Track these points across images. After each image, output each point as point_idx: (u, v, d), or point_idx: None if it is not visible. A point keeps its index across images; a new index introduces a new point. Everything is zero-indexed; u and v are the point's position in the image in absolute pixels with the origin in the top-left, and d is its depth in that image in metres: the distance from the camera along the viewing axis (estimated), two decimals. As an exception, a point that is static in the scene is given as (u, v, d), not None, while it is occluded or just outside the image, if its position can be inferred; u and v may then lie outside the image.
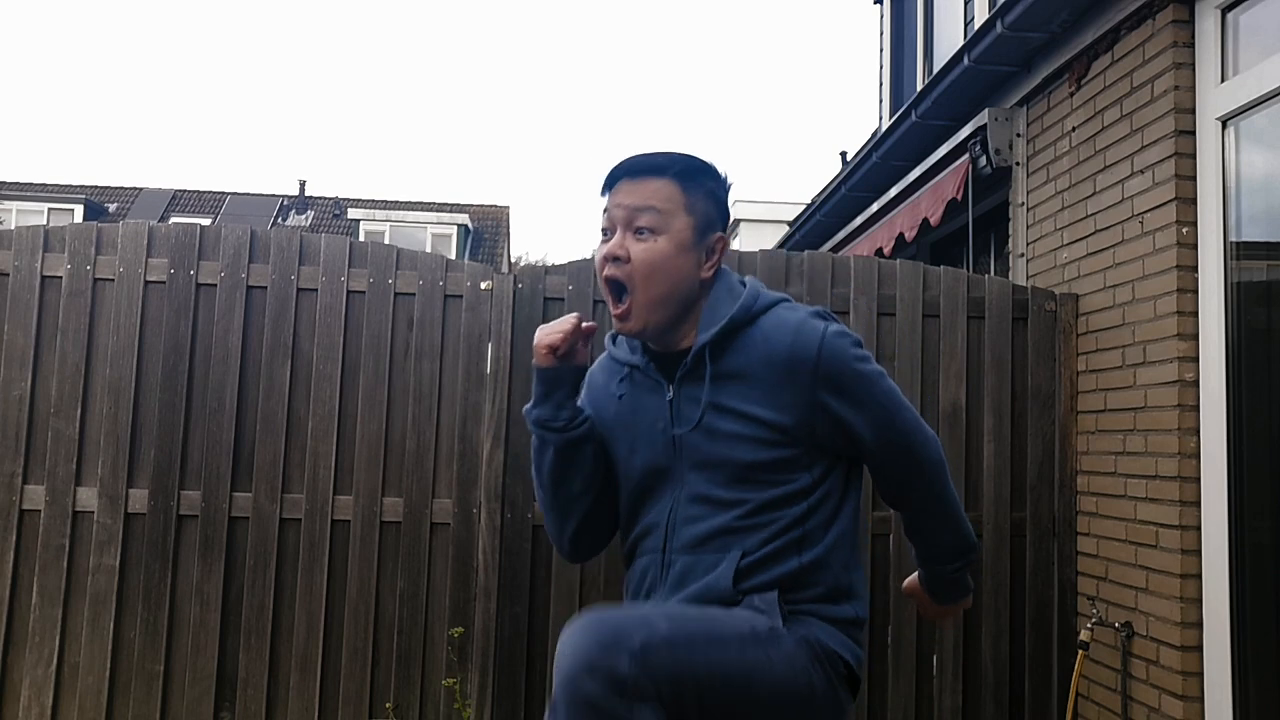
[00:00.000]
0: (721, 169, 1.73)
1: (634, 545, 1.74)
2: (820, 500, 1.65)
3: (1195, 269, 3.18)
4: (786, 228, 10.28)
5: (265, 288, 3.61)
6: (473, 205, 30.89)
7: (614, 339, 1.80)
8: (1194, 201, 3.20)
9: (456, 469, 3.59)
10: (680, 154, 1.67)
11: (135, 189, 29.57)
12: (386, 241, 22.58)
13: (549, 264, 4.09)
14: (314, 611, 3.50)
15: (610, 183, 1.68)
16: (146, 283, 3.57)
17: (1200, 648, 3.09)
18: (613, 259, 1.63)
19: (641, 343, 1.73)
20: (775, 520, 1.61)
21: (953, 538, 1.84)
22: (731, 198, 1.77)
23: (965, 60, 4.46)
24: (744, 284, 1.72)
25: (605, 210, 1.67)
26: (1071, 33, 3.92)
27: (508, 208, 31.40)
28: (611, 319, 1.68)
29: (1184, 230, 3.19)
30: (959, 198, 4.81)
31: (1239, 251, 3.09)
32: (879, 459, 1.72)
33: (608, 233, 1.66)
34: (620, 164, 1.67)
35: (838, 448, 1.67)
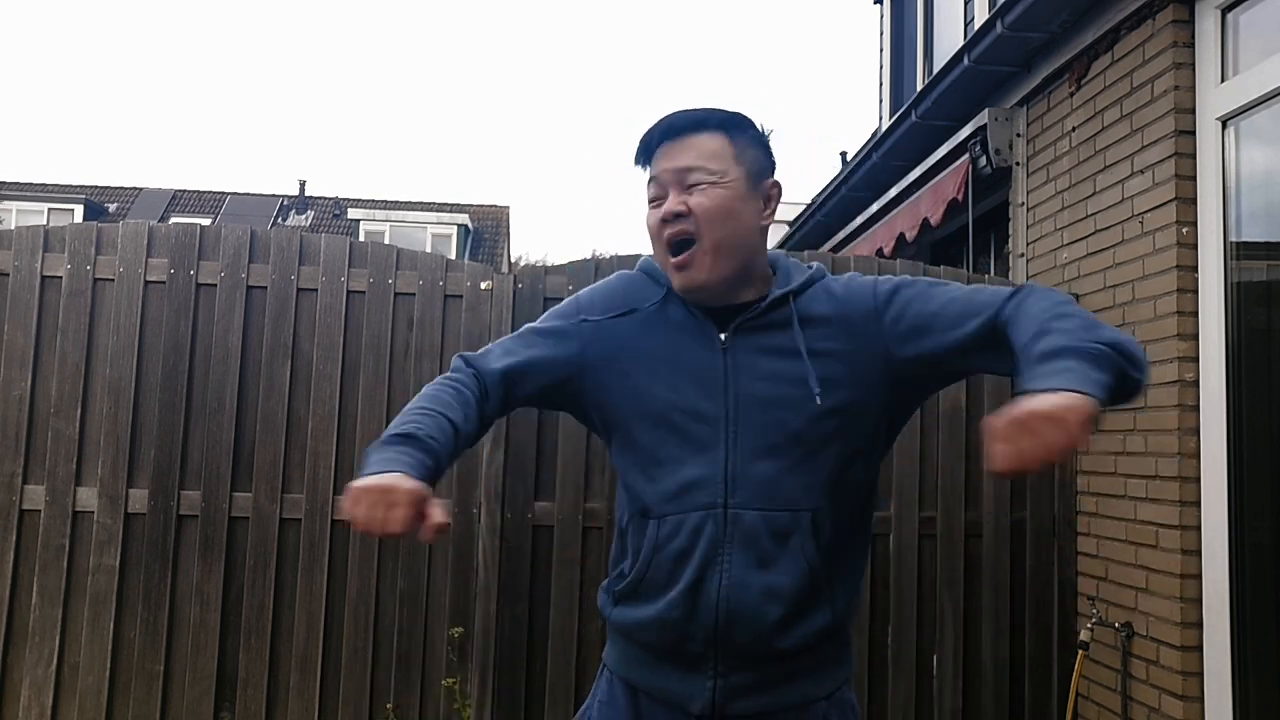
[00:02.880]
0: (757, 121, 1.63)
1: (668, 500, 1.51)
2: (877, 467, 1.60)
3: (1195, 269, 3.18)
4: (786, 228, 10.28)
5: (265, 288, 3.61)
6: (473, 205, 30.89)
7: (648, 270, 1.65)
8: (1194, 201, 3.20)
9: (456, 469, 3.59)
10: (713, 109, 1.58)
11: (135, 189, 29.57)
12: (386, 241, 22.57)
13: (549, 264, 4.09)
14: (314, 611, 3.50)
15: (649, 149, 1.56)
16: (146, 283, 3.57)
17: (1200, 648, 3.09)
18: (675, 216, 1.51)
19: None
20: (845, 490, 1.52)
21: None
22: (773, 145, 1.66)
23: (965, 60, 4.46)
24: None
25: (651, 179, 1.56)
26: (1071, 33, 3.92)
27: (508, 208, 31.41)
28: (674, 279, 1.54)
29: (1184, 230, 3.19)
30: (959, 198, 4.81)
31: (1239, 251, 3.09)
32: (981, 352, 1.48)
33: (658, 201, 1.54)
34: (656, 127, 1.56)
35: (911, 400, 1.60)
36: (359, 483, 1.34)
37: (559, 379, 1.59)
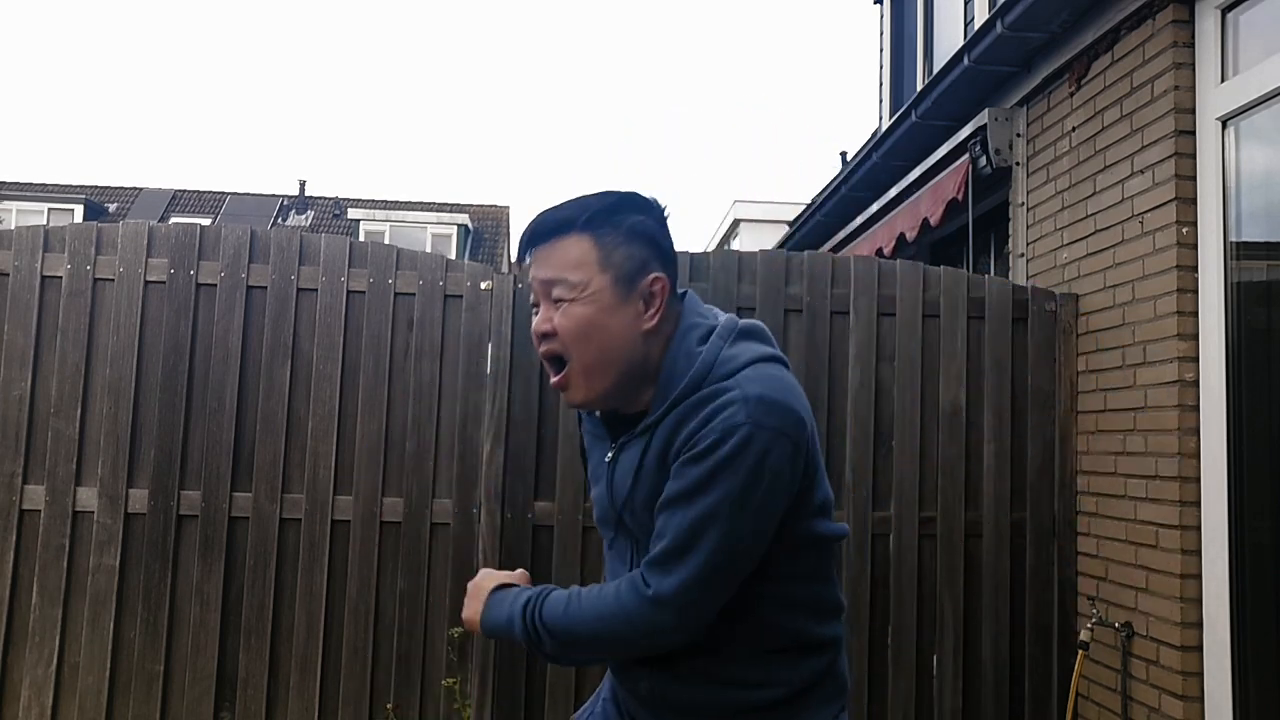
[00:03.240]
0: (647, 195, 1.51)
1: None
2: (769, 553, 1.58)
3: (1195, 269, 3.18)
4: (786, 228, 10.27)
5: (265, 288, 3.61)
6: (473, 205, 30.89)
7: None
8: (1194, 201, 3.20)
9: (456, 469, 3.59)
10: (591, 197, 1.48)
11: (135, 189, 29.57)
12: (386, 241, 22.59)
13: (549, 264, 4.09)
14: (314, 611, 3.50)
15: (524, 253, 1.51)
16: (146, 283, 3.57)
17: (1200, 648, 3.09)
18: (541, 335, 1.48)
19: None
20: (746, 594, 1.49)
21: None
22: (670, 225, 1.54)
23: (965, 60, 4.46)
24: (705, 340, 1.46)
25: (529, 283, 1.54)
26: (1071, 33, 3.92)
27: (508, 208, 31.40)
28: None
29: (1184, 230, 3.19)
30: (959, 198, 4.81)
31: (1239, 251, 3.09)
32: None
33: (535, 307, 1.50)
34: (527, 229, 1.50)
35: None
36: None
37: None
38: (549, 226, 1.47)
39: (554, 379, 1.49)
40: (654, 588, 1.38)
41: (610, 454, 1.53)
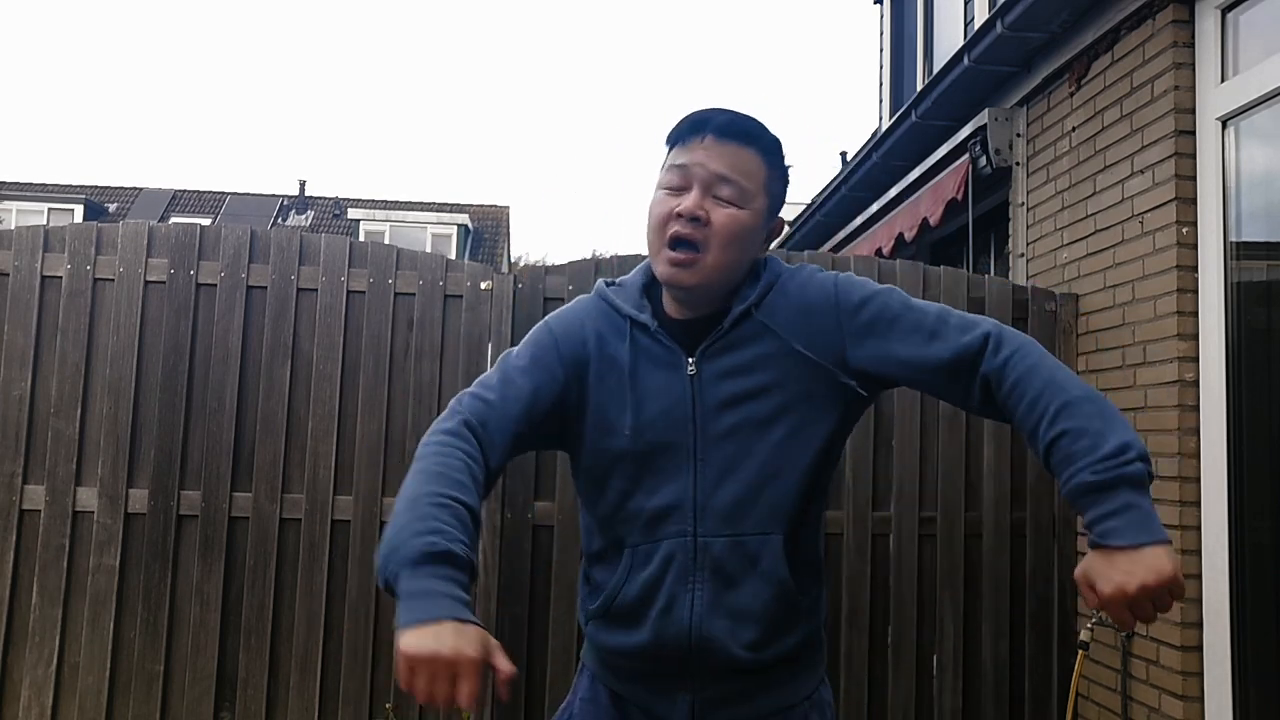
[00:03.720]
0: None
1: (637, 529, 1.51)
2: (833, 470, 1.58)
3: (1195, 269, 3.18)
4: (786, 228, 10.28)
5: (265, 288, 3.61)
6: (473, 205, 30.89)
7: (609, 283, 1.60)
8: (1194, 201, 3.20)
9: (456, 469, 3.58)
10: (762, 124, 1.51)
11: (135, 189, 29.58)
12: (386, 241, 22.57)
13: (549, 264, 4.10)
14: (314, 611, 3.50)
15: (690, 134, 1.48)
16: (146, 283, 3.57)
17: (1200, 648, 3.09)
18: (691, 218, 1.44)
19: (651, 301, 1.54)
20: (810, 503, 1.51)
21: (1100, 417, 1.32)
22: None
23: (965, 60, 4.46)
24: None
25: (679, 165, 1.47)
26: (1071, 33, 3.92)
27: (508, 208, 31.41)
28: (660, 265, 1.48)
29: (1184, 230, 3.19)
30: (959, 198, 4.81)
31: (1239, 251, 3.09)
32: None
33: (680, 190, 1.46)
34: (707, 115, 1.48)
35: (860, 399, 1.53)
36: (410, 647, 1.20)
37: (558, 405, 1.51)
38: (737, 129, 1.48)
39: (678, 255, 1.45)
40: (992, 335, 1.43)
41: (691, 368, 1.48)
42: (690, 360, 1.49)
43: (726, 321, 1.49)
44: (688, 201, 1.44)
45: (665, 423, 1.48)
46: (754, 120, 1.50)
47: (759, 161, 1.48)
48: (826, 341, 1.48)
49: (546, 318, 1.61)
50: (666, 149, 1.52)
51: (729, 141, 1.47)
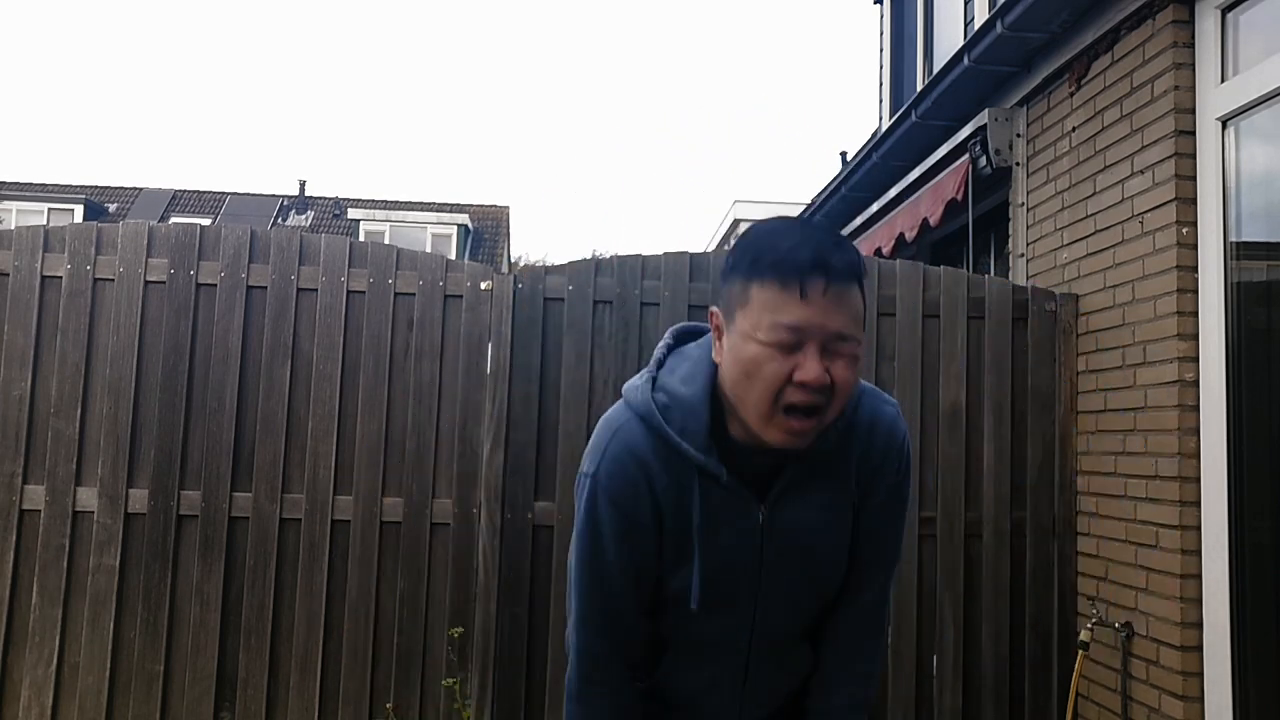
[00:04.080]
0: None
1: (684, 644, 1.54)
2: None
3: (1195, 269, 3.18)
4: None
5: (265, 288, 3.61)
6: (473, 205, 30.89)
7: (665, 410, 1.41)
8: (1194, 201, 3.20)
9: (456, 469, 3.59)
10: (843, 239, 1.36)
11: (135, 189, 29.57)
12: (386, 241, 22.59)
13: (549, 264, 4.10)
14: (314, 611, 3.50)
15: (802, 283, 1.27)
16: (146, 283, 3.57)
17: (1200, 648, 3.09)
18: (819, 389, 1.29)
19: (715, 439, 1.40)
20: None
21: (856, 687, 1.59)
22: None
23: (965, 60, 4.46)
24: None
25: (791, 326, 1.28)
26: (1071, 33, 3.92)
27: (508, 208, 31.41)
28: (773, 432, 1.33)
29: (1184, 230, 3.19)
30: (959, 198, 4.81)
31: (1239, 251, 3.09)
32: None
33: (787, 349, 1.29)
34: (822, 262, 1.28)
35: None
36: None
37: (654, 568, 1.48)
38: (848, 271, 1.31)
39: (800, 425, 1.32)
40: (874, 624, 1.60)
41: (764, 512, 1.43)
42: (762, 507, 1.43)
43: (803, 467, 1.43)
44: (812, 368, 1.28)
45: (732, 575, 1.46)
46: (846, 248, 1.33)
47: (859, 295, 1.34)
48: (861, 480, 1.51)
49: (601, 492, 1.43)
50: (747, 281, 1.31)
51: (844, 286, 1.30)
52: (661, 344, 1.53)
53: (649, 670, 1.55)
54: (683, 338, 1.54)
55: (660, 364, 1.49)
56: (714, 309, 1.40)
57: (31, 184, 28.41)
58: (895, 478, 1.51)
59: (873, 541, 1.53)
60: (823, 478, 1.45)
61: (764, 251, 1.30)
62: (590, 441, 1.49)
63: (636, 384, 1.47)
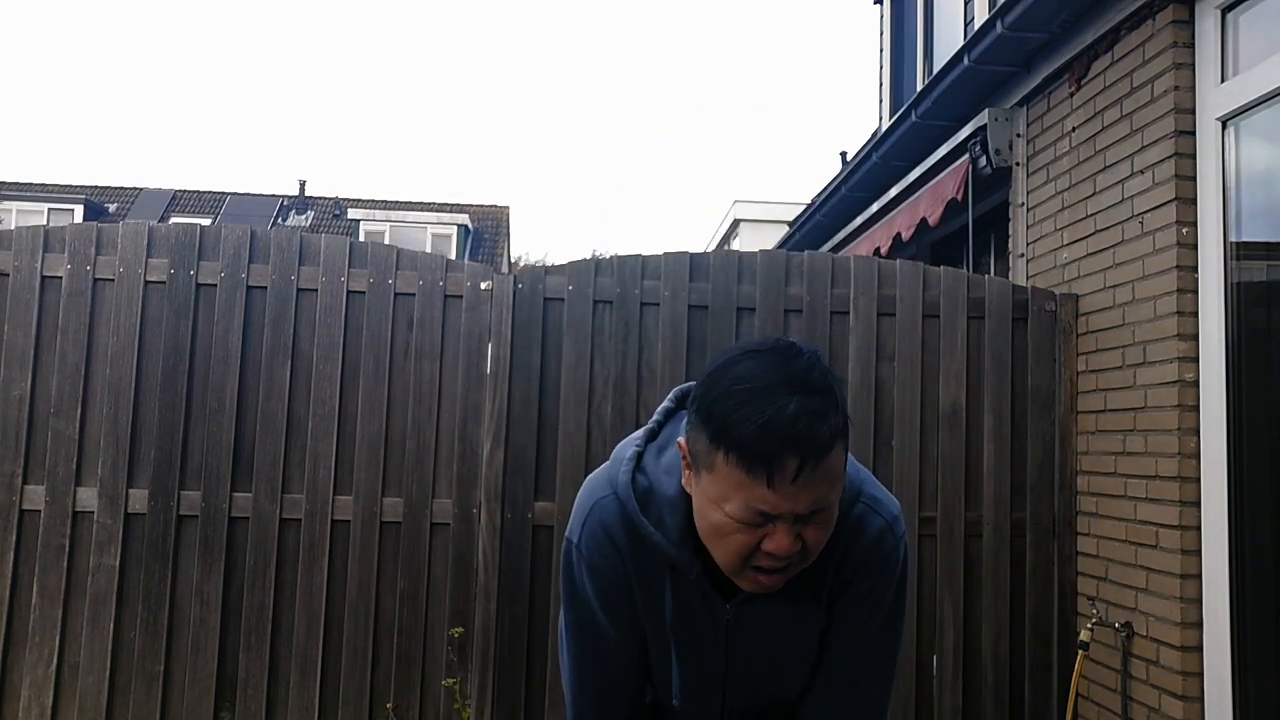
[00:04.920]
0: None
1: (664, 713, 1.57)
2: None
3: (1195, 269, 3.18)
4: (786, 228, 10.28)
5: (265, 288, 3.61)
6: (473, 205, 30.90)
7: (637, 504, 1.39)
8: (1194, 201, 3.20)
9: (456, 469, 3.59)
10: (838, 393, 1.27)
11: (135, 189, 29.58)
12: (386, 241, 22.59)
13: (549, 264, 4.10)
14: (314, 611, 3.50)
15: (774, 472, 1.20)
16: (146, 283, 3.57)
17: (1200, 648, 3.09)
18: (786, 557, 1.27)
19: (689, 534, 1.36)
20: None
21: None
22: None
23: (965, 60, 4.46)
24: None
25: (758, 510, 1.23)
26: (1071, 33, 3.92)
27: (508, 208, 31.42)
28: (743, 582, 1.33)
29: (1184, 230, 3.19)
30: (959, 198, 4.81)
31: (1239, 251, 3.09)
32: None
33: (752, 525, 1.25)
34: (794, 443, 1.20)
35: None
36: None
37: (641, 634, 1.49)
38: (824, 446, 1.21)
39: (768, 580, 1.30)
40: None
41: (730, 611, 1.41)
42: (728, 607, 1.41)
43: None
44: (782, 542, 1.25)
45: (701, 667, 1.47)
46: (828, 412, 1.23)
47: (840, 452, 1.25)
48: (835, 583, 1.45)
49: (582, 560, 1.44)
50: (713, 446, 1.24)
51: (820, 464, 1.22)
52: (661, 408, 1.48)
53: None
54: (684, 401, 1.47)
55: (653, 435, 1.45)
56: (681, 442, 1.33)
57: (31, 184, 28.41)
58: (873, 585, 1.44)
59: (842, 642, 1.46)
60: (787, 585, 1.37)
61: (734, 423, 1.21)
62: (576, 500, 1.48)
63: (623, 456, 1.43)
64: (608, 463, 1.47)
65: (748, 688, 1.50)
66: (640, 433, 1.46)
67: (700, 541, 1.35)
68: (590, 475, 1.50)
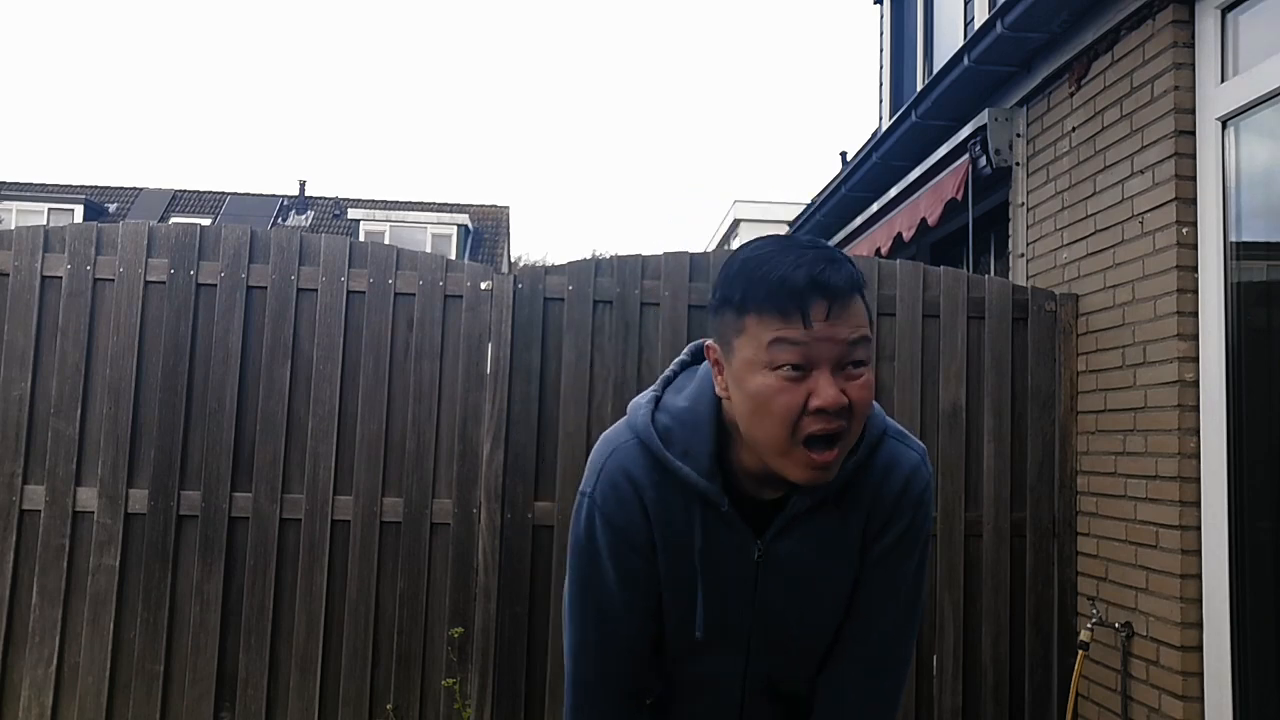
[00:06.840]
0: None
1: (683, 680, 1.51)
2: None
3: (1195, 269, 3.18)
4: (786, 228, 10.28)
5: (265, 288, 3.61)
6: (473, 205, 30.90)
7: (658, 429, 1.37)
8: (1194, 202, 3.20)
9: (456, 469, 3.59)
10: (849, 258, 1.29)
11: (135, 189, 29.57)
12: (386, 242, 22.60)
13: (549, 264, 4.10)
14: (314, 611, 3.50)
15: (807, 309, 1.20)
16: (146, 283, 3.57)
17: (1200, 648, 3.09)
18: (839, 411, 1.22)
19: (718, 464, 1.34)
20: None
21: None
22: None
23: (965, 60, 4.46)
24: None
25: (797, 342, 1.20)
26: (1071, 33, 3.92)
27: (508, 208, 31.42)
28: (797, 469, 1.25)
29: (1184, 230, 3.19)
30: (959, 198, 4.81)
31: (1239, 251, 3.09)
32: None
33: (795, 373, 1.21)
34: (818, 283, 1.21)
35: None
36: None
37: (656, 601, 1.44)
38: (849, 283, 1.23)
39: (825, 457, 1.24)
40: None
41: (760, 547, 1.37)
42: (758, 543, 1.37)
43: (803, 507, 1.36)
44: (828, 392, 1.21)
45: (729, 614, 1.42)
46: (843, 262, 1.26)
47: (865, 306, 1.26)
48: (870, 523, 1.42)
49: (597, 512, 1.39)
50: (741, 313, 1.24)
51: (847, 299, 1.23)
52: (676, 360, 1.47)
53: (642, 709, 1.50)
54: (700, 354, 1.46)
55: (669, 382, 1.45)
56: (709, 343, 1.33)
57: (31, 184, 28.41)
58: (908, 526, 1.41)
59: (874, 591, 1.43)
60: (827, 515, 1.37)
61: (756, 281, 1.23)
62: (590, 457, 1.45)
63: (640, 402, 1.42)
64: (620, 420, 1.45)
65: (775, 637, 1.44)
66: (653, 385, 1.46)
67: (730, 476, 1.34)
68: (603, 434, 1.46)
